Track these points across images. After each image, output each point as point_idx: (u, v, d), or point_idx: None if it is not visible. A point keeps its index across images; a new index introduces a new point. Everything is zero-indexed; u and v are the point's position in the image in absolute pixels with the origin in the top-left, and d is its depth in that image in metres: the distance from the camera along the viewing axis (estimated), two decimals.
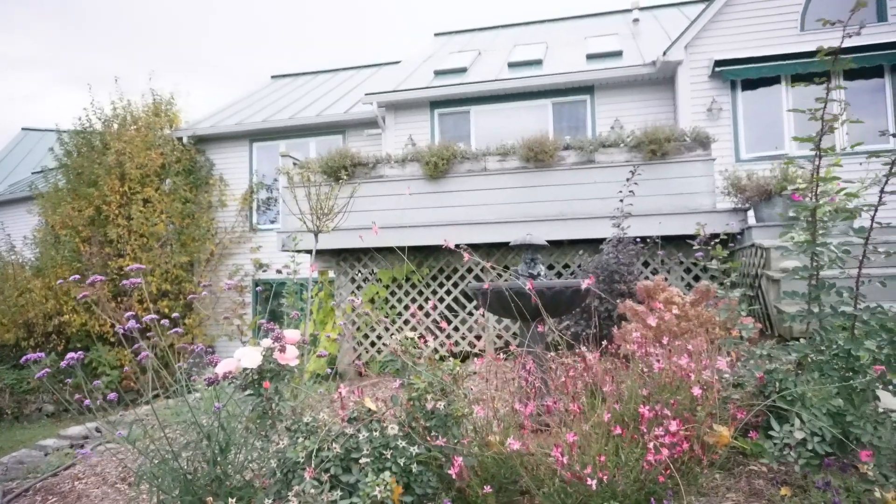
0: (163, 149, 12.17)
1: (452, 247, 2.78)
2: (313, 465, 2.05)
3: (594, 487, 2.04)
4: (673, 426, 2.20)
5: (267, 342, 2.46)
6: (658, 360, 2.55)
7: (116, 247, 11.62)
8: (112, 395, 2.63)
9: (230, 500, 2.08)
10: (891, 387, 2.56)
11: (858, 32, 2.62)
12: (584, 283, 2.80)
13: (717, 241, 3.67)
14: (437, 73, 11.71)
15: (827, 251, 2.76)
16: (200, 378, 2.73)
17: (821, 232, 2.85)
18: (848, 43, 8.83)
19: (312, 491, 1.95)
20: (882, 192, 2.62)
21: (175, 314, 4.07)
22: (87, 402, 2.62)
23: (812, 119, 2.87)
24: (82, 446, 4.96)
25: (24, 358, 2.44)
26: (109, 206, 11.60)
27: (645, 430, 2.24)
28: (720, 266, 3.44)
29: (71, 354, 2.51)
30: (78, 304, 11.23)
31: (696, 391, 2.39)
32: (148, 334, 2.78)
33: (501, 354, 2.81)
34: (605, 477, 2.11)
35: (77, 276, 2.90)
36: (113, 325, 11.54)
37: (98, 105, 12.62)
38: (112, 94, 12.72)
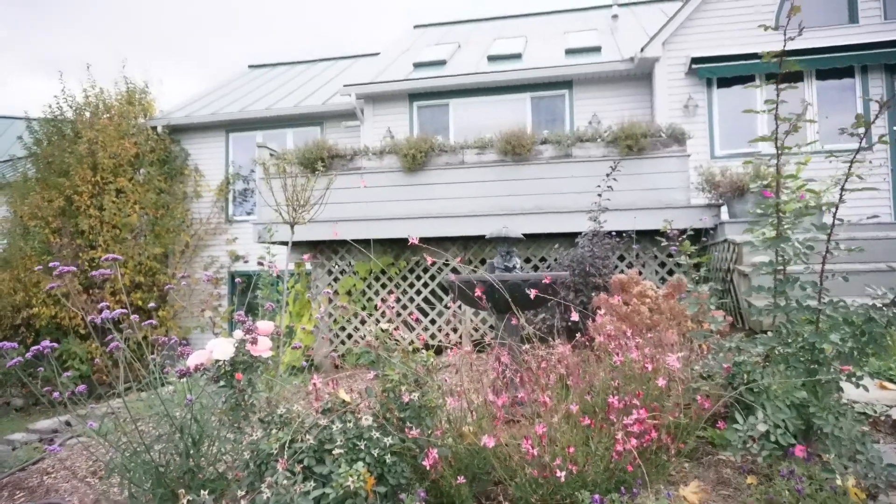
0: (136, 138, 11.95)
1: (416, 241, 2.79)
2: (286, 457, 2.05)
3: (563, 479, 2.08)
4: (642, 415, 2.24)
5: (239, 334, 2.44)
6: (618, 354, 2.60)
7: (88, 238, 11.39)
8: (81, 387, 2.59)
9: (203, 492, 2.07)
10: (853, 379, 2.64)
11: (800, 33, 2.69)
12: (547, 279, 2.83)
13: (684, 236, 3.73)
14: (416, 65, 11.67)
15: (791, 247, 2.83)
16: (174, 370, 2.70)
17: (788, 227, 2.92)
18: (820, 44, 8.96)
19: (285, 482, 1.95)
20: (842, 189, 2.70)
21: (151, 305, 4.02)
22: (56, 394, 2.59)
23: (782, 119, 2.93)
24: (52, 440, 4.88)
25: None
26: (81, 196, 11.34)
27: (614, 420, 2.28)
28: (689, 261, 3.50)
29: (44, 343, 2.47)
30: (47, 297, 10.99)
31: (661, 382, 2.43)
32: (121, 326, 2.75)
33: (470, 346, 2.84)
34: (575, 469, 2.14)
35: (56, 263, 2.83)
36: (84, 318, 11.23)
37: (69, 93, 12.32)
38: (83, 82, 12.43)
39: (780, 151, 2.87)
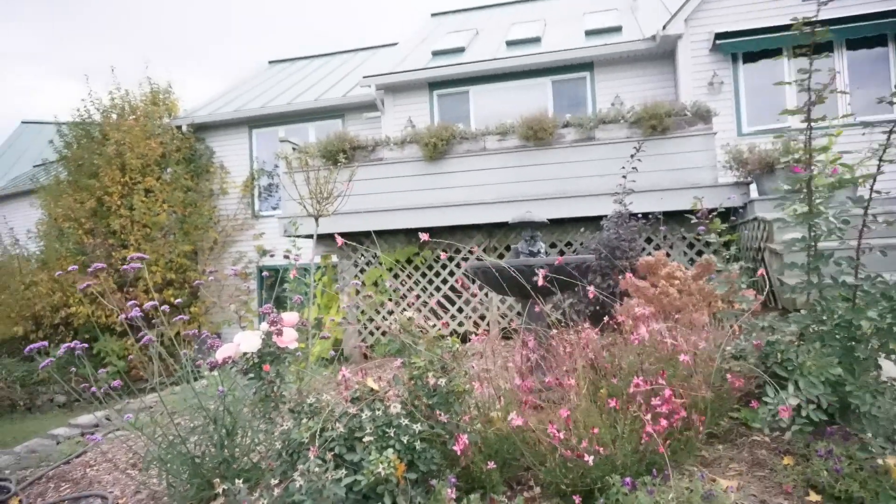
0: (162, 138, 12.14)
1: (427, 237, 2.80)
2: (317, 445, 2.07)
3: (591, 463, 2.06)
4: (667, 394, 2.21)
5: (265, 326, 2.47)
6: (634, 333, 2.57)
7: (120, 237, 11.64)
8: (116, 383, 2.66)
9: (238, 481, 2.11)
10: (893, 357, 2.56)
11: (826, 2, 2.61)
12: (556, 261, 2.80)
13: (714, 214, 3.66)
14: (435, 53, 11.61)
15: (824, 222, 2.75)
16: (205, 364, 2.75)
17: (821, 202, 2.83)
18: (852, 12, 8.62)
19: (317, 470, 1.97)
20: (880, 160, 2.62)
21: (179, 301, 4.10)
22: (93, 389, 2.66)
23: (801, 91, 2.84)
24: (93, 434, 5.03)
25: (28, 348, 2.47)
26: (111, 196, 11.59)
27: (642, 402, 2.25)
28: (719, 240, 3.43)
29: (75, 343, 2.54)
30: (84, 296, 11.28)
31: (684, 358, 2.40)
32: (152, 322, 2.81)
33: (498, 333, 2.83)
34: (603, 450, 2.13)
35: (74, 267, 2.90)
36: (119, 315, 11.50)
37: (96, 96, 12.56)
38: (109, 85, 12.67)
39: (810, 125, 2.78)
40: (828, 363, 2.43)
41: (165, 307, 2.81)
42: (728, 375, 2.58)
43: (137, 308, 2.69)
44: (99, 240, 11.44)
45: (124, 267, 2.75)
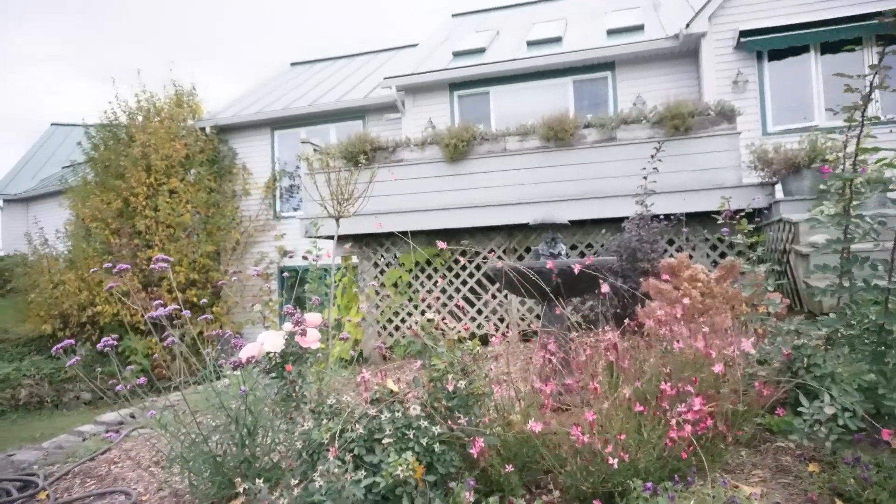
0: (186, 139, 12.32)
1: (444, 245, 2.79)
2: (337, 446, 2.08)
3: (615, 466, 2.04)
4: (696, 403, 2.17)
5: (289, 326, 2.49)
6: (678, 341, 2.52)
7: (145, 238, 11.83)
8: (141, 380, 2.70)
9: (258, 480, 2.12)
10: None
11: None
12: (576, 267, 2.77)
13: (741, 215, 3.59)
14: (456, 54, 11.61)
15: (862, 223, 2.68)
16: (228, 363, 2.78)
17: (858, 203, 2.77)
18: (880, 7, 8.37)
19: (336, 471, 1.98)
20: None
21: (203, 301, 4.14)
22: (119, 387, 2.71)
23: (847, 90, 2.77)
24: (117, 431, 5.11)
25: (55, 347, 2.52)
26: (137, 197, 11.79)
27: (667, 408, 2.22)
28: (745, 241, 3.37)
29: (106, 339, 2.59)
30: (110, 295, 11.49)
31: (718, 368, 2.35)
32: (175, 322, 2.85)
33: (517, 335, 2.82)
34: (627, 456, 2.10)
35: (109, 265, 2.95)
36: (144, 314, 11.68)
37: (122, 98, 12.79)
38: (134, 87, 12.93)
39: (863, 123, 2.71)
40: (860, 369, 2.37)
41: (188, 307, 2.85)
42: (756, 384, 2.53)
43: (163, 307, 2.73)
44: (125, 240, 11.64)
45: (152, 266, 2.80)
